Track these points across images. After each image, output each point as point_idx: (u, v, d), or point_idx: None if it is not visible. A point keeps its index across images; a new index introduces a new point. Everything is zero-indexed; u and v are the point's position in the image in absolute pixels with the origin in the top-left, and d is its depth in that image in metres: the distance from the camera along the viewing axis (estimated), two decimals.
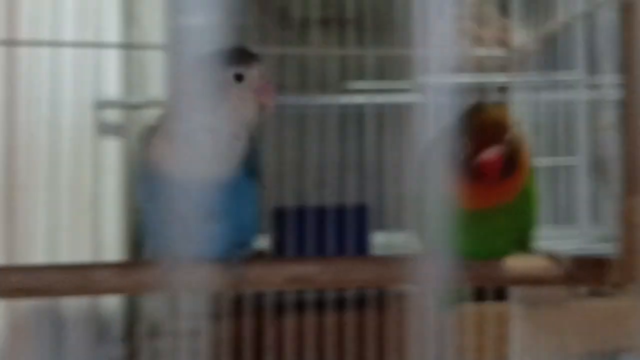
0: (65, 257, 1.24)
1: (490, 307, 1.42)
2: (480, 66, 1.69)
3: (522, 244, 0.98)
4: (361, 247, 1.39)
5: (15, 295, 0.85)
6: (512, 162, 0.88)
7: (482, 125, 0.88)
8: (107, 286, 0.84)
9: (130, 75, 1.74)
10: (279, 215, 1.34)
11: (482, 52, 1.55)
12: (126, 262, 0.89)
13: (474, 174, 0.87)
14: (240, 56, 0.88)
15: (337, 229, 1.32)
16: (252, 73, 0.87)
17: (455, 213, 0.87)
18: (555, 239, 1.36)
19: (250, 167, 0.91)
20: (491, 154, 0.86)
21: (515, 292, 1.43)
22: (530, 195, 0.96)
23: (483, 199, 0.90)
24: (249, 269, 0.89)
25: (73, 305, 1.40)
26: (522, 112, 1.42)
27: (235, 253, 0.90)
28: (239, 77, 0.87)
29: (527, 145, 0.92)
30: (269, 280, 0.91)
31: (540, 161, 1.39)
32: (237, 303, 1.28)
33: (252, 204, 0.92)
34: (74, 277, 0.84)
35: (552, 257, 0.96)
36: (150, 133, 0.90)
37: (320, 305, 1.37)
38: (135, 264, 0.88)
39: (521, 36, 1.45)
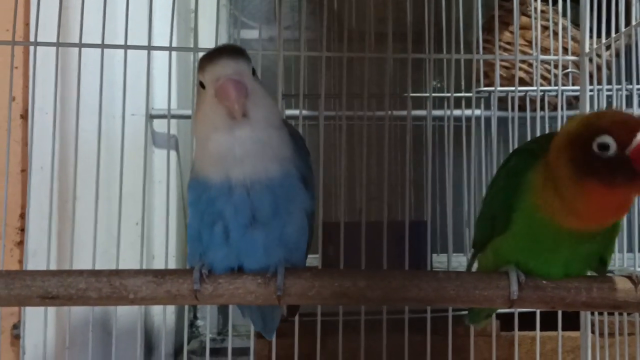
0: (116, 265, 1.23)
1: (562, 336, 1.32)
2: (549, 76, 1.61)
3: (598, 267, 0.89)
4: (418, 266, 1.32)
5: (46, 303, 0.81)
6: None
7: (615, 117, 0.78)
8: (141, 295, 0.80)
9: (182, 86, 1.74)
10: (331, 230, 1.28)
11: (551, 61, 1.47)
12: (161, 271, 0.84)
13: (620, 172, 0.76)
14: (201, 62, 0.82)
15: (393, 245, 1.25)
16: (213, 77, 0.80)
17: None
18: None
19: (301, 173, 0.86)
20: None
21: (587, 319, 1.33)
22: (617, 225, 0.87)
23: (615, 207, 0.80)
24: (293, 281, 0.83)
25: (123, 318, 1.38)
26: None
27: (280, 264, 0.84)
28: (201, 84, 0.82)
29: None
30: (314, 294, 0.84)
31: None
32: (286, 322, 1.22)
33: (302, 212, 0.86)
34: (106, 284, 0.80)
35: (632, 278, 0.86)
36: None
37: (374, 326, 1.29)
38: (171, 273, 0.83)
39: (593, 46, 1.36)
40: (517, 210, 0.85)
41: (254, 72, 0.83)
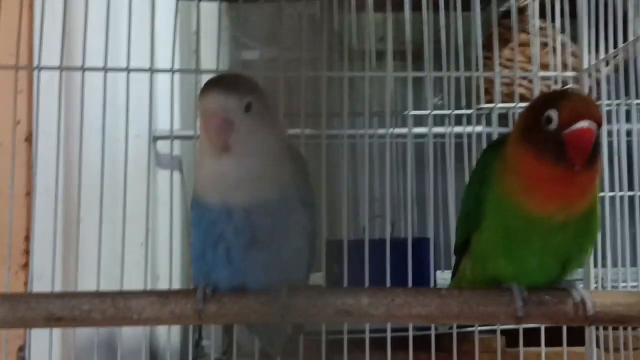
0: (120, 287, 1.23)
1: (567, 352, 1.32)
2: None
3: (567, 267, 0.88)
4: (422, 283, 1.32)
5: (50, 324, 0.82)
6: (595, 153, 0.77)
7: (573, 98, 0.79)
8: (145, 316, 0.80)
9: (185, 108, 1.75)
10: (334, 248, 1.28)
11: (550, 77, 1.48)
12: (165, 291, 0.85)
13: (558, 153, 0.76)
14: (200, 91, 0.83)
15: (397, 263, 1.25)
16: (203, 109, 0.82)
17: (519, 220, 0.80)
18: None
19: (300, 195, 0.87)
20: (585, 124, 0.76)
21: (592, 334, 1.33)
22: (595, 216, 0.86)
23: (561, 189, 0.79)
24: (295, 300, 0.84)
25: (128, 339, 1.38)
26: None
27: (283, 282, 0.85)
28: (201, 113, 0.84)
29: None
30: (318, 312, 0.84)
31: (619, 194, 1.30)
32: (291, 340, 1.22)
33: (302, 232, 0.87)
34: (110, 305, 0.81)
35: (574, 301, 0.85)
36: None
37: (379, 343, 1.29)
38: (174, 293, 0.84)
39: (591, 62, 1.37)
40: (486, 202, 0.86)
41: (249, 105, 0.83)
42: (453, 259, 1.35)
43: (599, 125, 0.77)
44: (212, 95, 0.82)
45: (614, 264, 1.28)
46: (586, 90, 1.37)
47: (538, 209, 0.81)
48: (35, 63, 1.28)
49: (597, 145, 0.78)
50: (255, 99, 0.84)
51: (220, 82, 0.84)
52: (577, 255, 0.87)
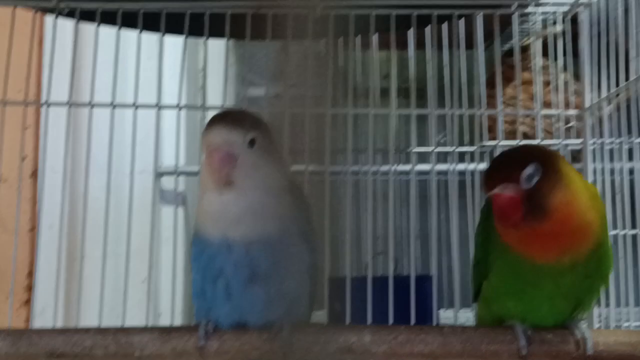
0: (122, 323, 1.22)
1: None
2: (551, 130, 1.62)
3: (577, 309, 0.88)
4: (425, 321, 1.31)
5: None
6: (544, 205, 0.79)
7: (491, 165, 0.83)
8: (146, 352, 0.80)
9: (191, 144, 1.76)
10: (337, 285, 1.28)
11: (553, 115, 1.49)
12: (167, 328, 0.84)
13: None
14: (206, 126, 0.84)
15: (399, 300, 1.24)
16: (206, 143, 0.83)
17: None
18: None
19: (301, 230, 0.87)
20: (496, 190, 0.79)
21: None
22: (605, 255, 0.86)
23: (541, 241, 0.80)
24: (297, 337, 0.83)
25: None
26: (598, 179, 1.33)
27: (285, 319, 0.85)
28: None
29: (591, 204, 0.83)
30: (320, 349, 0.84)
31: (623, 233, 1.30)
32: None
33: (303, 268, 0.87)
34: (112, 342, 0.81)
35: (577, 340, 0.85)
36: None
37: None
38: (176, 329, 0.84)
39: (593, 100, 1.39)
40: (491, 252, 0.86)
41: (253, 141, 0.84)
42: (455, 297, 1.34)
43: (518, 182, 0.79)
44: (216, 130, 0.83)
45: (617, 304, 1.27)
46: (588, 129, 1.37)
47: (539, 258, 0.82)
48: (43, 99, 1.29)
49: (536, 198, 0.79)
50: (259, 134, 0.84)
51: (225, 117, 0.85)
52: (588, 296, 0.87)
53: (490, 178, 0.81)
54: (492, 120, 1.71)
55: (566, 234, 0.81)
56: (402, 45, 1.43)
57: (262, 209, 0.83)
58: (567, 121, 1.48)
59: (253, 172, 0.83)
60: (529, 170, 0.80)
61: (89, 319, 1.25)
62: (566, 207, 0.80)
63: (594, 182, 1.32)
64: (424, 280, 1.35)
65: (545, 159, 0.81)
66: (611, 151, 1.36)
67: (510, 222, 0.80)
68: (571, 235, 0.81)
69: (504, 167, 0.82)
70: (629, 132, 1.34)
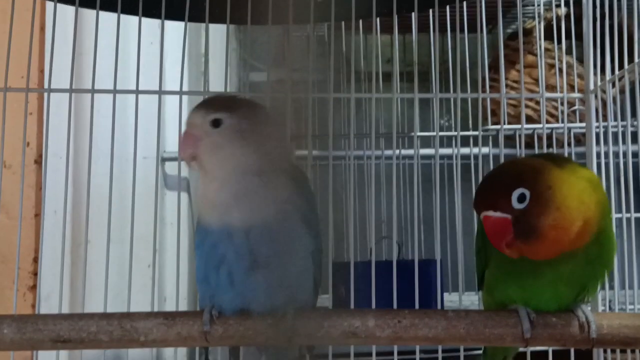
0: (127, 308, 1.23)
1: None
2: (556, 114, 1.62)
3: (581, 294, 0.88)
4: (429, 305, 1.31)
5: (57, 346, 0.82)
6: (536, 226, 0.77)
7: (481, 187, 0.82)
8: (152, 337, 0.81)
9: None
10: (341, 270, 1.28)
11: (556, 98, 1.48)
12: (172, 313, 0.85)
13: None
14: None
15: (403, 284, 1.24)
16: (189, 125, 0.88)
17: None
18: None
19: (302, 215, 0.87)
20: (491, 213, 0.78)
21: (600, 357, 1.32)
22: (607, 239, 0.85)
23: (537, 247, 0.79)
24: (301, 322, 0.83)
25: (135, 359, 1.38)
26: (602, 162, 1.33)
27: (289, 304, 0.85)
28: None
29: (587, 192, 0.81)
30: (324, 334, 0.84)
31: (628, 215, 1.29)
32: None
33: (305, 252, 0.87)
34: (117, 327, 0.81)
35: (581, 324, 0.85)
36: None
37: None
38: (181, 315, 0.84)
39: (597, 83, 1.38)
40: (488, 243, 0.86)
41: (217, 122, 0.86)
42: (460, 280, 1.35)
43: (509, 204, 0.78)
44: (189, 115, 0.88)
45: (622, 286, 1.27)
46: (592, 113, 1.37)
47: (536, 259, 0.82)
48: (46, 85, 1.29)
49: (527, 218, 0.78)
50: (228, 116, 0.86)
51: (200, 103, 0.90)
52: (592, 281, 0.87)
53: (481, 198, 0.80)
54: (496, 104, 1.71)
55: (561, 245, 0.80)
56: (405, 29, 1.42)
57: (250, 193, 0.83)
58: (572, 104, 1.48)
59: (218, 151, 0.85)
60: (519, 191, 0.78)
61: (94, 305, 1.26)
62: (557, 228, 0.78)
63: (599, 164, 1.31)
64: (428, 264, 1.35)
65: (535, 176, 0.79)
66: (615, 134, 1.35)
67: (502, 243, 0.79)
68: (567, 244, 0.80)
69: (495, 187, 0.81)
70: (634, 115, 1.33)
